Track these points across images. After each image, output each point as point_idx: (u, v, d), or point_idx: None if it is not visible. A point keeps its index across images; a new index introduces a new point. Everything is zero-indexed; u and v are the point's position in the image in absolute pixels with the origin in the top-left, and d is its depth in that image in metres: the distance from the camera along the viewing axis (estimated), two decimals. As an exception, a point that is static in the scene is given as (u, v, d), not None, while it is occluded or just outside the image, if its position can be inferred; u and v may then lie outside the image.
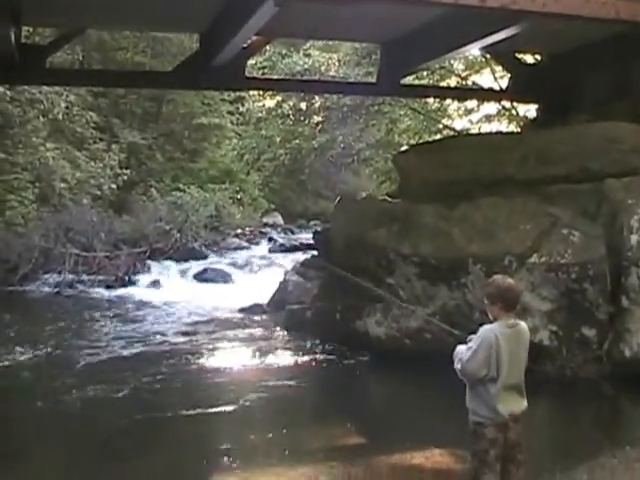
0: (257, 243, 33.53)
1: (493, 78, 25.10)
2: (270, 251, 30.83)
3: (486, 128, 27.74)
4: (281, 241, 33.63)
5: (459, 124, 29.61)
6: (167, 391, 11.85)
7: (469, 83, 26.61)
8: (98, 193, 27.95)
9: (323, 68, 29.14)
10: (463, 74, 27.09)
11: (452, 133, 27.10)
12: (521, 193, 13.56)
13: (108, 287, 23.28)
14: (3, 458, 8.78)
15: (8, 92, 24.27)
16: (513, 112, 25.90)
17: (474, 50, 16.67)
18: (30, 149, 25.85)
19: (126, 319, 18.21)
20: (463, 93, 23.88)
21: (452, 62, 25.54)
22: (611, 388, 11.68)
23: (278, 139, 34.43)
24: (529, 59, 19.63)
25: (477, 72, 26.68)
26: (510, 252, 12.46)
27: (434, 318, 12.86)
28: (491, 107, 27.10)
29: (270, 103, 38.47)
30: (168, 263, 26.14)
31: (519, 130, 23.72)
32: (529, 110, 24.33)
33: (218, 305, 20.00)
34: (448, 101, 28.09)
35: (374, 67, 20.97)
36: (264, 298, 19.55)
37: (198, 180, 35.02)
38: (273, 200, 42.51)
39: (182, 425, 10.26)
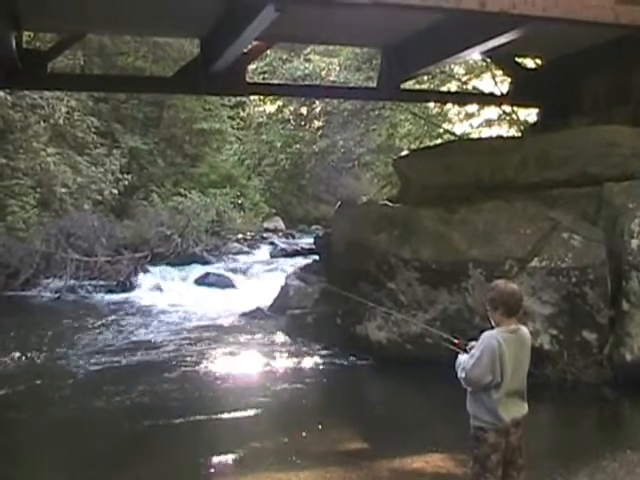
0: (258, 248, 33.61)
1: (494, 82, 25.12)
2: (271, 256, 30.90)
3: (487, 133, 27.78)
4: (282, 246, 33.69)
5: (459, 128, 29.69)
6: (170, 397, 11.83)
7: (469, 87, 26.63)
8: (99, 198, 27.93)
9: (324, 73, 29.16)
10: (463, 78, 27.11)
11: (453, 137, 27.13)
12: (521, 197, 13.60)
13: (109, 292, 23.27)
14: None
15: (9, 97, 24.29)
16: (514, 116, 25.93)
17: (474, 54, 16.62)
18: (31, 154, 25.83)
19: (128, 324, 18.20)
20: (463, 97, 23.87)
21: (452, 66, 25.56)
22: (612, 392, 11.65)
23: (279, 144, 34.49)
24: (529, 63, 19.62)
25: (477, 76, 26.71)
26: (511, 256, 12.46)
27: (434, 323, 12.83)
28: (492, 112, 27.14)
29: (271, 108, 38.54)
30: (169, 268, 26.11)
31: (519, 134, 23.73)
32: (530, 114, 24.36)
33: (220, 310, 20.03)
34: (449, 105, 28.18)
35: (374, 72, 21.00)
36: (265, 303, 19.56)
37: (199, 185, 35.05)
38: (274, 205, 42.58)
39: (186, 431, 10.22)
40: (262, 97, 37.63)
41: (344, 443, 9.80)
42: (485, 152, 15.61)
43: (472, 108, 27.50)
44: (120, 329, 17.50)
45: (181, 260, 26.92)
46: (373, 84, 19.69)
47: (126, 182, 29.86)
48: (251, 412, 11.08)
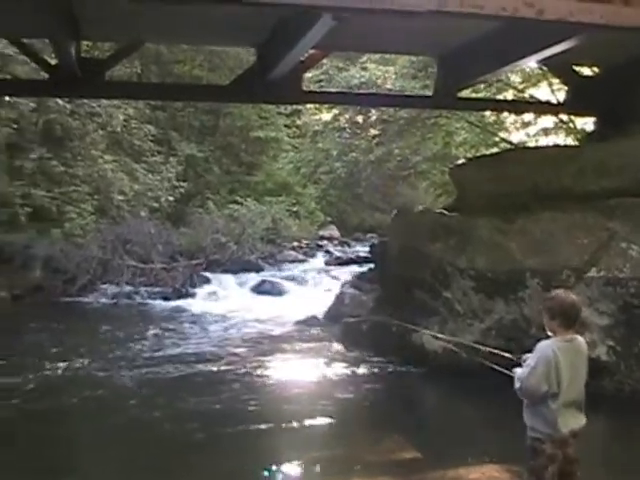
0: (313, 256, 33.63)
1: (550, 91, 24.91)
2: (326, 264, 30.92)
3: (543, 141, 27.55)
4: (337, 254, 33.71)
5: (516, 137, 29.45)
6: (228, 406, 11.87)
7: (526, 96, 26.41)
8: (156, 205, 28.25)
9: (379, 81, 28.99)
10: (520, 87, 26.90)
11: (509, 146, 26.93)
12: (579, 206, 13.46)
13: (165, 298, 23.50)
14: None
15: (68, 105, 24.66)
16: (570, 125, 25.69)
17: (531, 63, 16.51)
18: (89, 161, 26.22)
19: (183, 331, 18.35)
20: (520, 106, 23.64)
21: (509, 75, 25.36)
22: (671, 404, 11.52)
23: (335, 152, 34.39)
24: (586, 71, 19.43)
25: (534, 85, 26.46)
26: (568, 266, 12.35)
27: (490, 333, 12.78)
28: (548, 120, 26.90)
29: (326, 116, 38.45)
30: (225, 275, 26.27)
31: (576, 143, 23.52)
32: (587, 123, 24.11)
33: (275, 317, 20.12)
34: (505, 114, 27.97)
35: (430, 80, 20.91)
36: (320, 311, 19.61)
37: (255, 193, 35.24)
38: (329, 213, 42.58)
39: (242, 440, 10.26)
40: (318, 105, 37.64)
41: (399, 452, 9.74)
42: (542, 161, 15.47)
43: (528, 116, 27.28)
44: (175, 336, 17.64)
45: (236, 267, 27.08)
46: (429, 92, 19.60)
47: (182, 190, 30.18)
48: (306, 421, 11.11)
